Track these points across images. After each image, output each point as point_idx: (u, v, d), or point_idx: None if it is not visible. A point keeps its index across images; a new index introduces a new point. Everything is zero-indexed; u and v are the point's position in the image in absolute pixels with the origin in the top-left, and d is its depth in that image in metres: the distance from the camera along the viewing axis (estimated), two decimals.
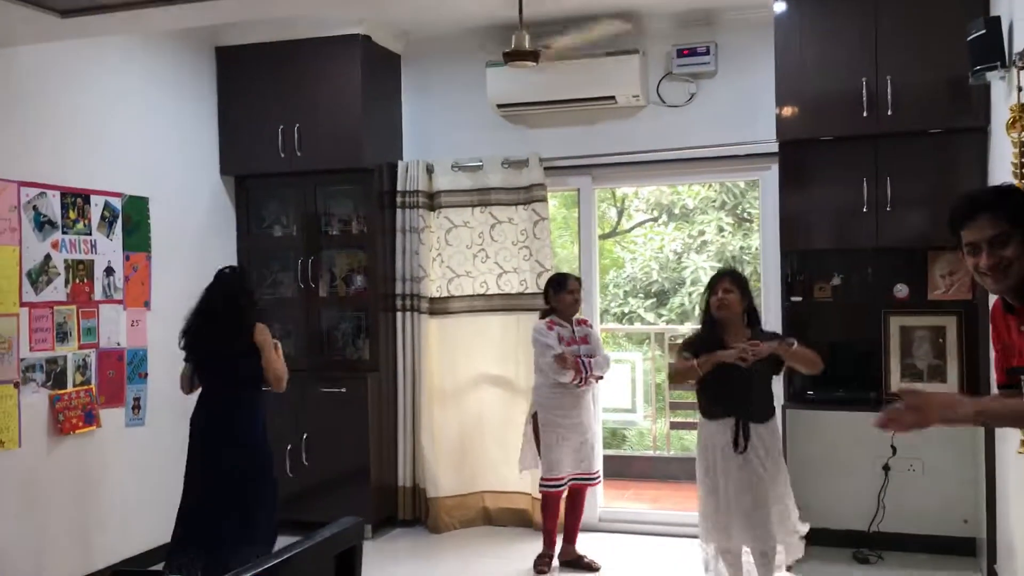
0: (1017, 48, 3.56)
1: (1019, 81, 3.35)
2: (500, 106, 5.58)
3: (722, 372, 3.95)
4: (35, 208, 4.45)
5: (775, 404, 4.17)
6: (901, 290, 4.79)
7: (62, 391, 4.55)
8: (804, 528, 4.23)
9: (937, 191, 4.64)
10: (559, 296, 4.93)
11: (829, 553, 4.90)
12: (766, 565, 4.02)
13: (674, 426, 8.09)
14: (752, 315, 4.09)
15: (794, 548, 4.20)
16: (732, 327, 3.99)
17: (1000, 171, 4.04)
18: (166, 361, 4.70)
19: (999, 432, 4.29)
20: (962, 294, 4.70)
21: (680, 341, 4.38)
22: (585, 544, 5.15)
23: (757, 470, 3.97)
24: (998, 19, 3.79)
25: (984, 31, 3.75)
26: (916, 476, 4.95)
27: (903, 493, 4.94)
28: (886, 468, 4.91)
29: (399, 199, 5.73)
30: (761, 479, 3.97)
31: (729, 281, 4.01)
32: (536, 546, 5.10)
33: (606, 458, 5.99)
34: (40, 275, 4.46)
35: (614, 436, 8.64)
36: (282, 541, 4.28)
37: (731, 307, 3.95)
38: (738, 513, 3.99)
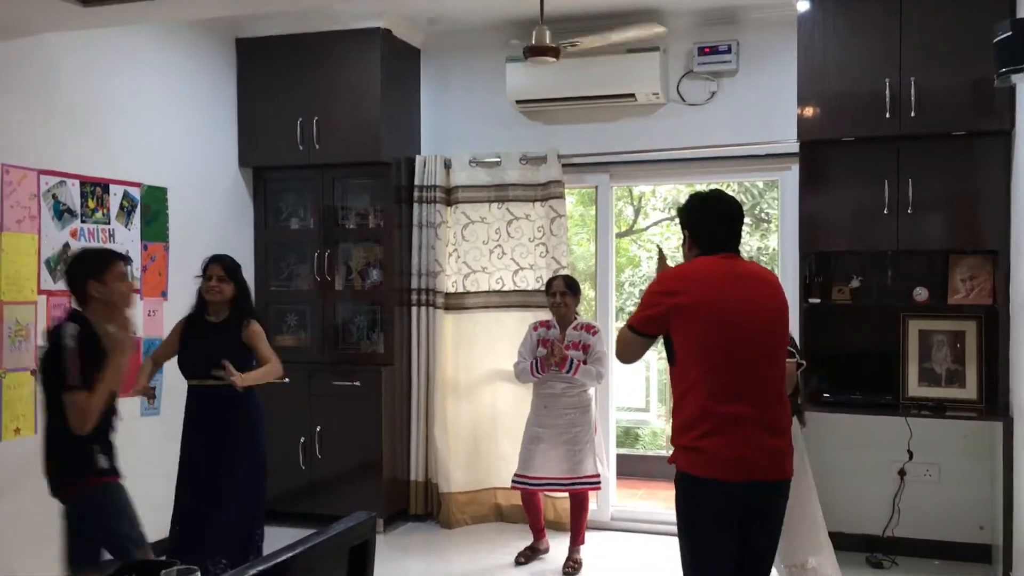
0: None
1: None
2: (519, 102, 5.56)
3: None
4: (54, 196, 4.46)
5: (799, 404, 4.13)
6: (921, 293, 4.75)
7: None
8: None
9: (959, 194, 4.60)
10: (547, 298, 4.98)
11: (843, 557, 4.84)
12: None
13: None
14: None
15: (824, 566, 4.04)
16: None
17: None
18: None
19: (1017, 439, 4.24)
20: (982, 299, 4.65)
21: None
22: (596, 543, 5.15)
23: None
24: None
25: (1010, 33, 3.70)
26: (932, 481, 4.90)
27: (919, 498, 4.90)
28: (902, 473, 4.88)
29: (416, 193, 5.73)
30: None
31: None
32: (550, 543, 5.12)
33: (619, 457, 5.98)
34: (58, 263, 4.48)
35: (627, 435, 8.61)
36: (295, 534, 4.27)
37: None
38: None
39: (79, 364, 3.24)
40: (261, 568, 1.43)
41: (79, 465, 3.38)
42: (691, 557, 2.88)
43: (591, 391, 4.99)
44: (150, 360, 4.41)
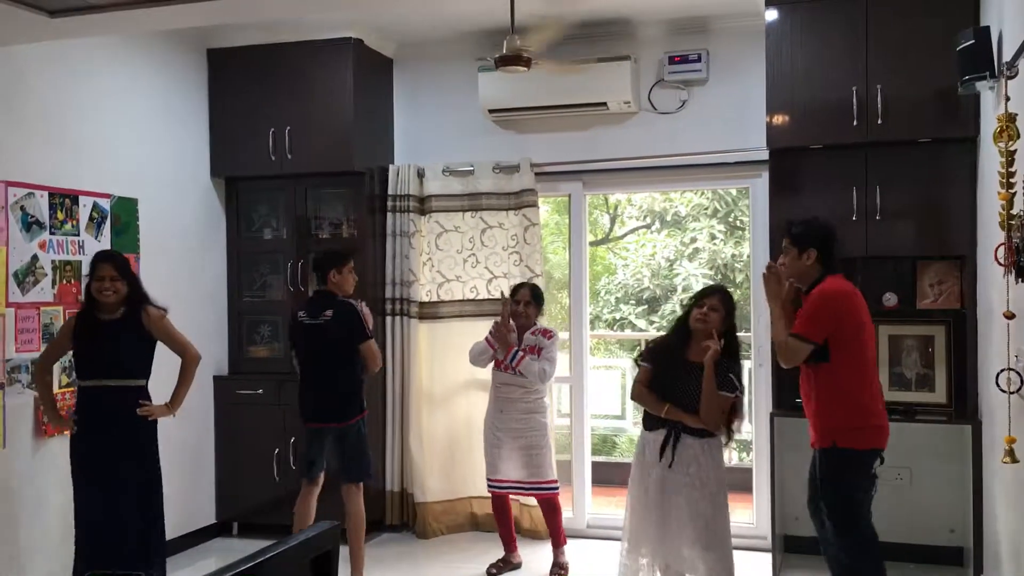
0: (1006, 58, 3.57)
1: (1007, 91, 3.35)
2: (492, 111, 5.58)
3: (668, 383, 3.92)
4: (23, 208, 4.43)
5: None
6: (890, 299, 4.79)
7: None
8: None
9: (926, 200, 4.65)
10: (511, 303, 4.97)
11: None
12: None
13: None
14: (730, 341, 3.92)
15: None
16: (699, 343, 3.87)
17: (988, 181, 4.04)
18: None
19: (986, 442, 4.29)
20: (950, 303, 4.69)
21: (642, 349, 4.14)
22: (574, 551, 5.14)
23: (686, 486, 3.85)
24: (987, 29, 3.79)
25: (973, 41, 3.75)
26: (903, 485, 4.94)
27: (890, 502, 4.91)
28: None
29: (390, 203, 5.72)
30: (690, 499, 3.85)
31: (718, 299, 3.92)
32: (524, 552, 5.12)
33: (595, 465, 5.98)
34: (27, 276, 4.44)
35: (604, 443, 8.62)
36: (262, 545, 4.25)
37: (711, 325, 3.85)
38: (659, 528, 3.89)
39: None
40: None
41: (359, 402, 4.69)
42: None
43: (546, 398, 5.02)
44: (41, 369, 4.24)
